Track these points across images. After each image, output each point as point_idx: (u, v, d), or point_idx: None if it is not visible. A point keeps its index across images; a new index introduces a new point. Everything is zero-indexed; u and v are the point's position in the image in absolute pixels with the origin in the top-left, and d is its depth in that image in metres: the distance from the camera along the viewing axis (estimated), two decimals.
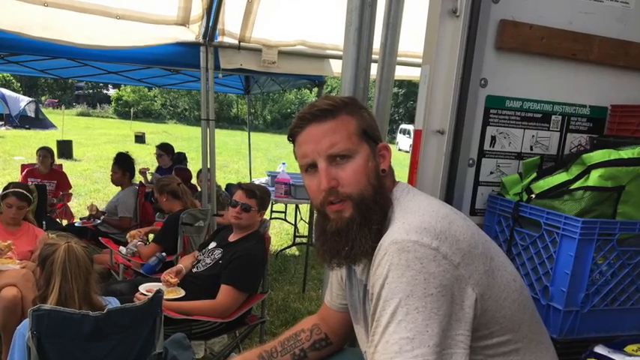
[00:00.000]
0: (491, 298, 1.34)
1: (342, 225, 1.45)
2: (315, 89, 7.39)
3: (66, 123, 24.92)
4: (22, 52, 5.52)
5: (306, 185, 1.54)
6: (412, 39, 3.69)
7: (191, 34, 5.02)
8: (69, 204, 7.32)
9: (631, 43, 2.21)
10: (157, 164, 7.77)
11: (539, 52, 2.09)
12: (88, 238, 5.27)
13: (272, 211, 8.77)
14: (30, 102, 27.82)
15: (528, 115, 2.17)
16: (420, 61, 2.14)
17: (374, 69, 2.12)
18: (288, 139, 1.55)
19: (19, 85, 44.21)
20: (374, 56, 2.06)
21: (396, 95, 44.38)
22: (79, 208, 9.04)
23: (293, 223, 8.32)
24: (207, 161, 5.44)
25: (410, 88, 43.46)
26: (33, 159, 7.86)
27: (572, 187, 1.93)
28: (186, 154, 8.59)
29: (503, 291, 1.37)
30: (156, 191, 4.93)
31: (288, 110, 47.60)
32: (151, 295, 2.63)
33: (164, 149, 7.59)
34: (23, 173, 7.12)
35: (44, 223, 5.40)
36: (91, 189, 11.61)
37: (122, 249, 4.55)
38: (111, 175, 6.00)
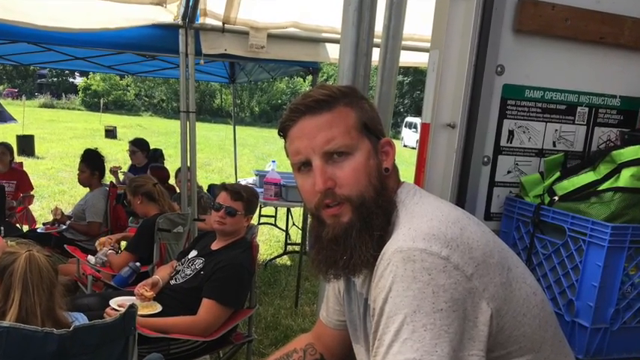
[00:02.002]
0: (508, 314, 1.34)
1: (339, 231, 1.44)
2: (310, 77, 7.41)
3: (27, 115, 24.83)
4: None
5: (299, 186, 1.54)
6: (419, 20, 3.70)
7: (169, 14, 5.00)
8: (30, 207, 7.31)
9: None
10: (130, 162, 7.76)
11: (563, 36, 2.09)
12: (52, 245, 5.26)
13: (260, 216, 8.77)
14: None
15: (551, 107, 2.16)
16: (427, 45, 2.13)
17: (376, 54, 2.11)
18: (279, 134, 1.54)
19: None
20: (376, 40, 2.05)
21: (400, 84, 44.46)
22: (41, 211, 9.03)
23: (284, 228, 8.32)
24: (187, 159, 5.42)
25: (416, 76, 43.56)
26: None
27: (600, 188, 1.93)
28: (163, 151, 8.58)
29: (522, 306, 1.37)
30: (129, 193, 4.91)
31: (279, 101, 47.65)
32: (123, 310, 2.62)
33: (138, 145, 7.57)
34: None
35: (2, 228, 5.37)
36: (55, 190, 11.59)
37: (91, 258, 4.54)
38: (78, 174, 5.98)
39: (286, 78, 45.13)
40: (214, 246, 3.69)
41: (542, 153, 2.20)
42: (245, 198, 3.62)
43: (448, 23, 2.00)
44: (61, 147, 19.37)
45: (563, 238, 1.94)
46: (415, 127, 33.36)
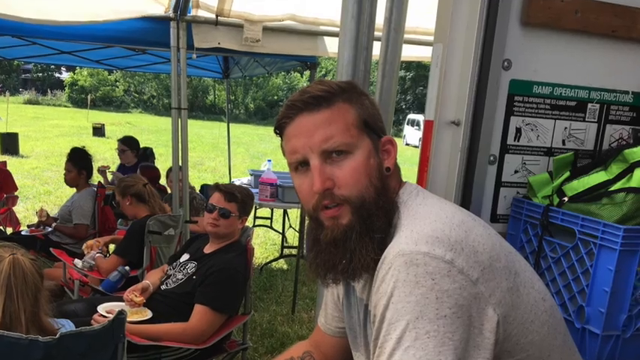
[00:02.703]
0: (515, 321, 1.34)
1: (338, 233, 1.44)
2: (307, 72, 7.41)
3: (11, 112, 24.82)
4: None
5: (295, 186, 1.54)
6: (422, 12, 3.70)
7: (159, 6, 5.00)
8: (14, 208, 7.29)
9: None
10: (118, 161, 7.75)
11: (573, 29, 2.09)
12: (37, 249, 5.25)
13: (255, 217, 8.76)
14: None
15: (560, 104, 2.16)
16: (431, 38, 2.13)
17: (377, 48, 2.11)
18: (275, 132, 1.54)
19: None
20: (377, 33, 2.05)
21: (402, 79, 44.46)
22: (26, 213, 9.01)
23: (280, 231, 8.32)
24: (179, 158, 5.42)
25: (419, 71, 43.57)
26: None
27: (612, 188, 1.93)
28: (154, 150, 8.57)
29: (530, 312, 1.37)
30: (117, 193, 4.90)
31: (275, 97, 47.67)
32: (111, 316, 2.62)
33: (127, 144, 7.55)
34: None
35: None
36: (40, 191, 11.57)
37: (77, 262, 4.52)
38: (64, 174, 5.97)
39: (283, 73, 45.16)
40: (207, 249, 3.68)
41: (551, 152, 2.20)
42: (239, 199, 3.61)
43: (452, 15, 2.00)
44: (46, 145, 19.34)
45: (573, 240, 1.94)
46: (418, 124, 33.37)
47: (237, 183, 7.27)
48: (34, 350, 2.31)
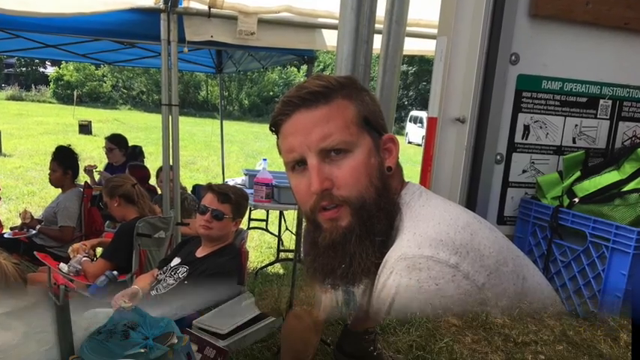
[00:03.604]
0: None
1: (337, 236, 1.44)
2: (304, 67, 7.37)
3: None
4: None
5: (292, 187, 1.53)
6: (425, 4, 3.70)
7: None
8: None
9: None
10: (106, 160, 7.75)
11: (584, 21, 2.09)
12: (21, 252, 5.24)
13: (250, 219, 8.75)
14: None
15: (570, 100, 2.16)
16: (435, 31, 2.13)
17: (377, 42, 2.11)
18: (271, 130, 1.54)
19: None
20: (377, 25, 2.05)
21: (405, 74, 44.48)
22: (9, 215, 8.99)
23: (276, 234, 8.31)
24: (170, 157, 5.41)
25: (422, 65, 43.58)
26: None
27: (625, 188, 1.93)
28: (143, 148, 8.56)
29: None
30: (105, 194, 4.90)
31: (271, 93, 47.69)
32: None
33: (115, 142, 7.55)
34: None
35: None
36: (24, 191, 11.55)
37: (63, 266, 4.52)
38: (49, 174, 5.96)
39: (279, 68, 45.21)
40: (199, 253, 3.68)
41: (561, 150, 2.20)
42: (233, 200, 3.61)
43: (457, 7, 2.00)
44: (30, 144, 19.31)
45: (584, 243, 1.94)
46: (421, 121, 33.37)
47: (230, 183, 7.27)
48: None
